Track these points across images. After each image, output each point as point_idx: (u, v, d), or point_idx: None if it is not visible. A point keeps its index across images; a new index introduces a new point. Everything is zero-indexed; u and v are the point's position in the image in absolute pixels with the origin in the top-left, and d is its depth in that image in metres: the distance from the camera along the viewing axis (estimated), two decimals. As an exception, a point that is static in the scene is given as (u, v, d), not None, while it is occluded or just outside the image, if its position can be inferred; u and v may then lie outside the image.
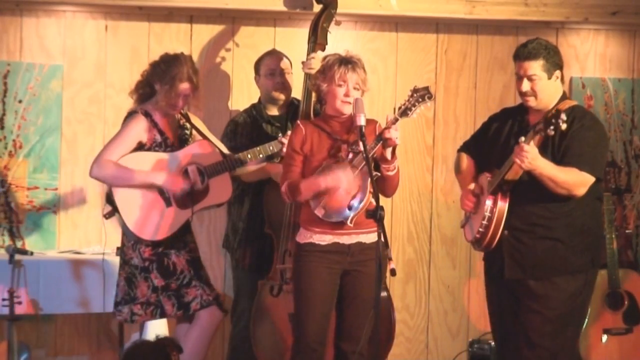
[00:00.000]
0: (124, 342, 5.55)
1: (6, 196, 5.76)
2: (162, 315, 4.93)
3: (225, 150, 5.12)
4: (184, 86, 4.90)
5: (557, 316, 4.49)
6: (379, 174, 4.47)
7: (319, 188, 4.44)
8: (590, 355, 5.66)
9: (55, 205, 5.81)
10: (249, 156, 5.05)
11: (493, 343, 4.84)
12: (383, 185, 4.52)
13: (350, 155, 4.45)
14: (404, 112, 4.44)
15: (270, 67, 5.42)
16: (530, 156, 4.30)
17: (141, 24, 5.87)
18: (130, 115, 4.95)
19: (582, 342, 5.66)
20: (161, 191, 4.91)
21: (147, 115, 4.92)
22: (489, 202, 4.51)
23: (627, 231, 6.10)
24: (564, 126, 4.27)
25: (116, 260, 5.37)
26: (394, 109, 4.52)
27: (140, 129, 4.91)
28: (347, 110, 4.48)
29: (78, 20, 5.84)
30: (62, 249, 5.79)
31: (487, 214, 4.50)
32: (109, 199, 4.92)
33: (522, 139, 4.32)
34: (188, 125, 5.08)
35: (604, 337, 5.66)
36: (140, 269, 4.91)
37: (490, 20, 5.96)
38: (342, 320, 4.58)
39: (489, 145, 4.67)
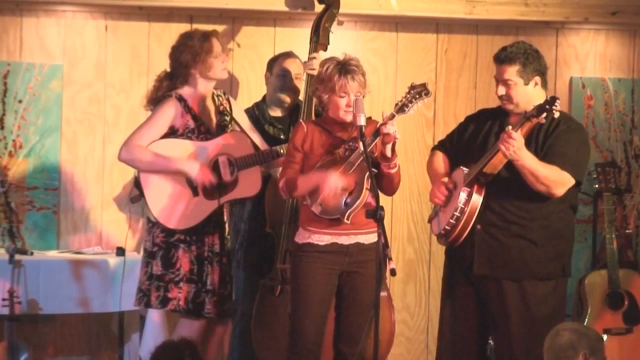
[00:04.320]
0: (124, 342, 5.56)
1: (6, 196, 5.76)
2: (147, 304, 4.89)
3: (260, 143, 5.08)
4: (218, 49, 4.90)
5: (521, 321, 4.47)
6: (375, 171, 4.46)
7: (312, 183, 4.44)
8: (590, 355, 5.66)
9: (55, 205, 5.81)
10: (282, 150, 5.00)
11: (492, 342, 4.83)
12: (384, 184, 4.52)
13: (347, 153, 4.45)
14: (401, 108, 4.44)
15: (283, 68, 5.40)
16: (516, 144, 4.27)
17: (141, 24, 5.87)
18: (163, 98, 4.89)
19: (582, 342, 5.67)
20: (189, 180, 4.86)
21: (180, 100, 4.87)
22: (463, 195, 4.47)
23: (627, 231, 6.10)
24: (557, 114, 4.26)
25: (116, 260, 5.38)
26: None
27: (171, 114, 4.85)
28: (350, 118, 4.45)
29: (78, 20, 5.84)
30: (62, 249, 5.78)
31: (461, 205, 4.45)
32: (137, 184, 4.88)
33: (510, 127, 4.30)
34: (228, 110, 5.05)
35: (604, 337, 5.66)
36: (148, 253, 4.89)
37: (490, 20, 5.96)
38: (342, 322, 4.57)
39: (466, 145, 4.64)
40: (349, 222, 4.43)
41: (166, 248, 4.89)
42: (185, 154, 4.86)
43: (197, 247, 4.92)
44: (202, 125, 4.92)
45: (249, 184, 4.95)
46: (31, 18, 5.78)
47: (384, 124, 4.36)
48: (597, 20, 6.02)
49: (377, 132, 4.39)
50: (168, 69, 4.97)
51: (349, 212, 4.42)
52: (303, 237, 4.54)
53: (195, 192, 4.86)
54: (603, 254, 5.85)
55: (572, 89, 6.19)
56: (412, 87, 4.47)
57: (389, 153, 4.41)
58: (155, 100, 4.93)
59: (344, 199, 4.43)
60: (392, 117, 4.39)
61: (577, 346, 3.89)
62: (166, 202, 4.84)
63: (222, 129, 5.00)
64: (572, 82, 6.20)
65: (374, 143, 4.41)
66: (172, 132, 4.86)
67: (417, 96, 4.44)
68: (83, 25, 5.85)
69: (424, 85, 4.45)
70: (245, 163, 4.92)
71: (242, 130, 5.06)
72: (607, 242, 5.72)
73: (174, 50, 4.95)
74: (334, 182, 4.39)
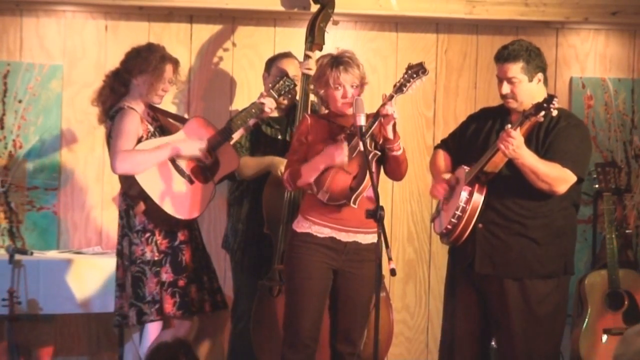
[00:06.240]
0: (124, 342, 5.56)
1: (6, 196, 5.76)
2: (161, 313, 4.88)
3: None
4: (168, 76, 4.93)
5: (523, 320, 4.47)
6: (378, 153, 4.47)
7: (317, 166, 4.44)
8: (590, 355, 5.66)
9: (55, 205, 5.81)
10: (239, 122, 5.04)
11: (494, 344, 4.83)
12: (391, 168, 4.54)
13: (348, 137, 4.45)
14: (399, 88, 4.45)
15: (281, 69, 5.39)
16: (515, 143, 4.26)
17: (141, 24, 5.87)
18: (119, 112, 4.89)
19: (582, 342, 5.67)
20: (182, 172, 4.90)
21: (133, 109, 4.90)
22: (464, 193, 4.46)
23: (627, 231, 6.10)
24: (554, 112, 4.26)
25: (116, 260, 5.37)
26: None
27: (136, 122, 4.87)
28: (350, 110, 4.49)
29: (78, 20, 5.84)
30: (62, 249, 5.78)
31: (462, 204, 4.45)
32: (136, 196, 4.85)
33: (509, 125, 4.31)
34: (156, 115, 5.07)
35: (604, 337, 5.66)
36: (152, 263, 4.88)
37: (490, 20, 5.97)
38: (338, 323, 4.56)
39: (468, 143, 4.64)
40: (356, 205, 4.40)
41: (172, 253, 4.91)
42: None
43: (193, 247, 4.98)
44: (157, 127, 4.98)
45: (228, 159, 5.02)
46: (31, 18, 5.78)
47: (384, 105, 4.38)
48: (597, 20, 6.02)
49: (376, 115, 4.40)
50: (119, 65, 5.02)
51: (354, 195, 4.42)
52: (302, 226, 4.53)
53: (190, 181, 4.90)
54: (603, 254, 5.85)
55: (572, 89, 6.20)
56: (410, 67, 4.48)
57: (390, 135, 4.42)
58: (106, 112, 4.95)
59: (350, 184, 4.43)
60: (391, 97, 4.40)
61: None
62: (176, 199, 4.86)
63: (165, 130, 5.05)
64: (572, 82, 6.21)
65: (374, 126, 4.41)
66: (138, 141, 4.87)
67: (415, 75, 4.46)
68: (83, 25, 5.85)
69: (421, 65, 4.47)
70: (217, 142, 4.97)
71: (181, 118, 5.15)
72: (607, 242, 5.71)
73: (132, 51, 4.97)
74: (339, 152, 4.40)
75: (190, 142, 4.92)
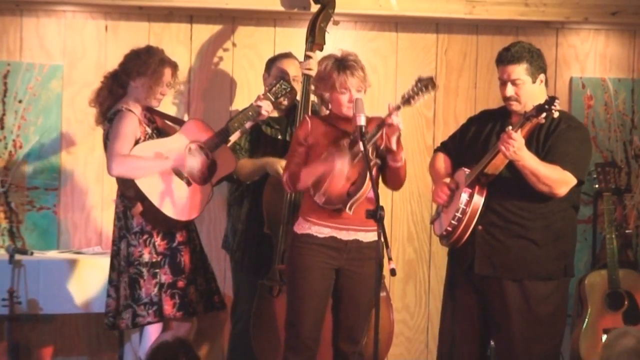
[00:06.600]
0: (124, 342, 5.56)
1: (6, 196, 5.76)
2: (161, 315, 4.88)
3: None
4: (167, 80, 4.93)
5: (522, 321, 4.46)
6: (378, 162, 4.47)
7: (316, 172, 4.44)
8: (590, 355, 5.67)
9: (55, 205, 5.81)
10: (236, 124, 5.04)
11: (493, 343, 4.83)
12: (389, 178, 4.54)
13: (351, 144, 4.44)
14: (407, 100, 4.43)
15: (281, 70, 5.39)
16: (516, 145, 4.26)
17: (141, 24, 5.87)
18: (117, 114, 4.89)
19: (582, 342, 5.67)
20: (179, 174, 4.89)
21: (131, 112, 4.90)
22: (464, 195, 4.46)
23: (627, 231, 6.10)
24: (556, 114, 4.25)
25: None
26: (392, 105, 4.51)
27: (134, 125, 4.87)
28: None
29: (78, 20, 5.84)
30: (62, 249, 5.78)
31: (462, 206, 4.45)
32: (133, 197, 4.86)
33: (510, 127, 4.30)
34: (153, 117, 5.06)
35: (604, 337, 5.66)
36: (150, 264, 4.88)
37: (490, 20, 5.97)
38: (340, 322, 4.57)
39: (468, 146, 4.64)
40: (351, 212, 4.42)
41: (171, 255, 4.91)
42: (164, 152, 4.89)
43: (191, 248, 4.98)
44: (155, 129, 4.98)
45: (225, 161, 5.02)
46: (31, 18, 5.78)
47: (390, 114, 4.37)
48: (597, 20, 6.02)
49: (381, 124, 4.39)
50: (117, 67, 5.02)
51: (351, 202, 4.42)
52: (302, 227, 4.54)
53: (188, 182, 4.90)
54: (603, 254, 5.85)
55: (572, 89, 6.20)
56: (420, 79, 4.46)
57: (394, 146, 4.42)
58: (104, 113, 4.95)
59: (347, 189, 4.43)
60: (398, 108, 4.39)
61: None
62: (174, 200, 4.86)
63: (161, 132, 5.05)
64: (572, 82, 6.21)
65: (378, 134, 4.40)
66: (135, 142, 4.88)
67: (424, 89, 4.44)
68: (83, 25, 5.85)
69: (430, 79, 4.45)
70: (214, 144, 4.97)
71: (177, 120, 5.16)
72: (607, 242, 5.71)
73: (131, 54, 4.98)
74: (340, 167, 4.40)
75: (193, 160, 4.91)
